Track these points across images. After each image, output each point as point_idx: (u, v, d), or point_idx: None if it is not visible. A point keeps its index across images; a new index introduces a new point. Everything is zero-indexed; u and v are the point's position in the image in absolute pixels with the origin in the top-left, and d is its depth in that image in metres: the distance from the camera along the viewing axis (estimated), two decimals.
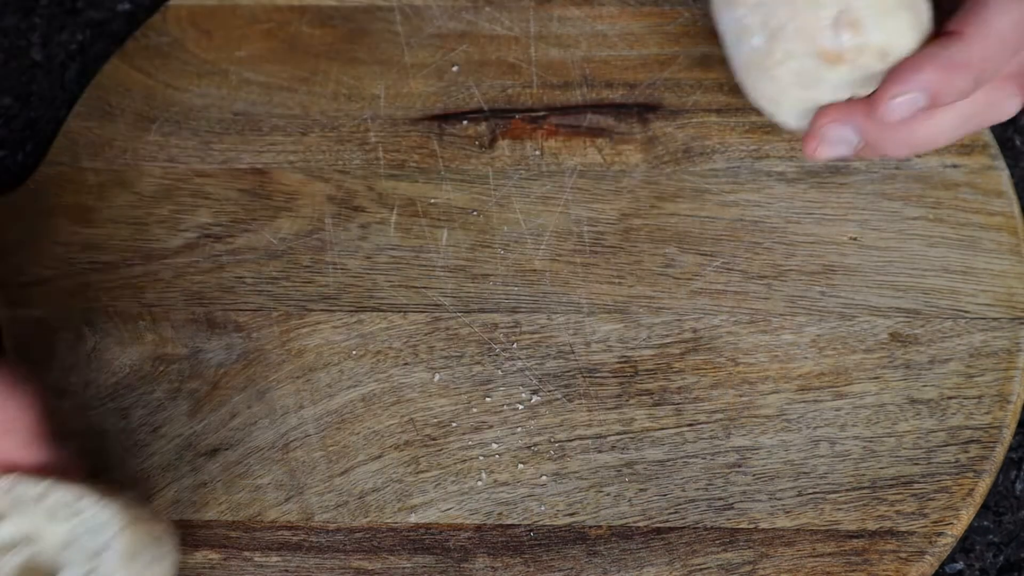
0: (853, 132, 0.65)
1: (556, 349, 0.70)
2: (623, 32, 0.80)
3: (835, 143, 0.65)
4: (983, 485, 0.67)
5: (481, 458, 0.68)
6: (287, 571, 0.65)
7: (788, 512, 0.66)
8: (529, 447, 0.68)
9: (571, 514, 0.67)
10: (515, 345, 0.71)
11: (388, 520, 0.67)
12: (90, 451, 0.69)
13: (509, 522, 0.66)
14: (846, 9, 0.61)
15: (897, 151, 0.67)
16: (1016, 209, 0.74)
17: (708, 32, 0.79)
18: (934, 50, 0.62)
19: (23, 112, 0.81)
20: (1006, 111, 0.65)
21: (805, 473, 0.67)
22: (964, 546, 0.67)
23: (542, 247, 0.73)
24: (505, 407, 0.69)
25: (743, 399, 0.69)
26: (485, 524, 0.66)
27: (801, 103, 0.65)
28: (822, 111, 0.65)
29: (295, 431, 0.69)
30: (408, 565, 0.65)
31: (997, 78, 0.64)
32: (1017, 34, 0.62)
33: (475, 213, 0.74)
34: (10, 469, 0.60)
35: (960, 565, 0.67)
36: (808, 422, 0.68)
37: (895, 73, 0.62)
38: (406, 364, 0.71)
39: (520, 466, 0.68)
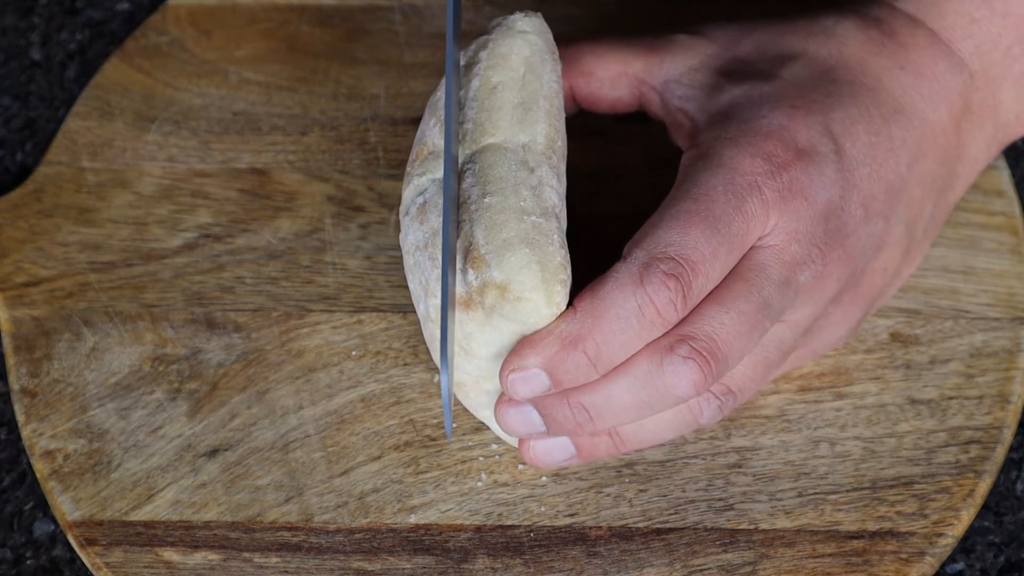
0: (535, 414, 0.63)
1: None
2: (622, 32, 0.80)
3: (524, 428, 0.63)
4: (983, 485, 0.67)
5: (481, 459, 0.68)
6: (287, 572, 0.65)
7: (788, 513, 0.66)
8: None
9: (571, 515, 0.67)
10: None
11: (388, 521, 0.67)
12: (89, 452, 0.68)
13: (509, 523, 0.66)
14: (471, 247, 0.60)
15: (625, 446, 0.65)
16: (1016, 209, 0.74)
17: None
18: (554, 324, 0.60)
19: (22, 112, 0.81)
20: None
21: (805, 474, 0.67)
22: (965, 546, 0.67)
23: None
24: None
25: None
26: (485, 525, 0.66)
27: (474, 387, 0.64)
28: (499, 400, 0.63)
29: (295, 432, 0.69)
30: (408, 566, 0.65)
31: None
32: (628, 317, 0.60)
33: None
34: None
35: (961, 565, 0.67)
36: (808, 422, 0.68)
37: (513, 348, 0.61)
38: (406, 364, 0.71)
39: (520, 467, 0.68)
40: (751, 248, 0.62)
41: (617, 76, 0.69)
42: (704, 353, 0.60)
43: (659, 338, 0.61)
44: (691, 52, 0.68)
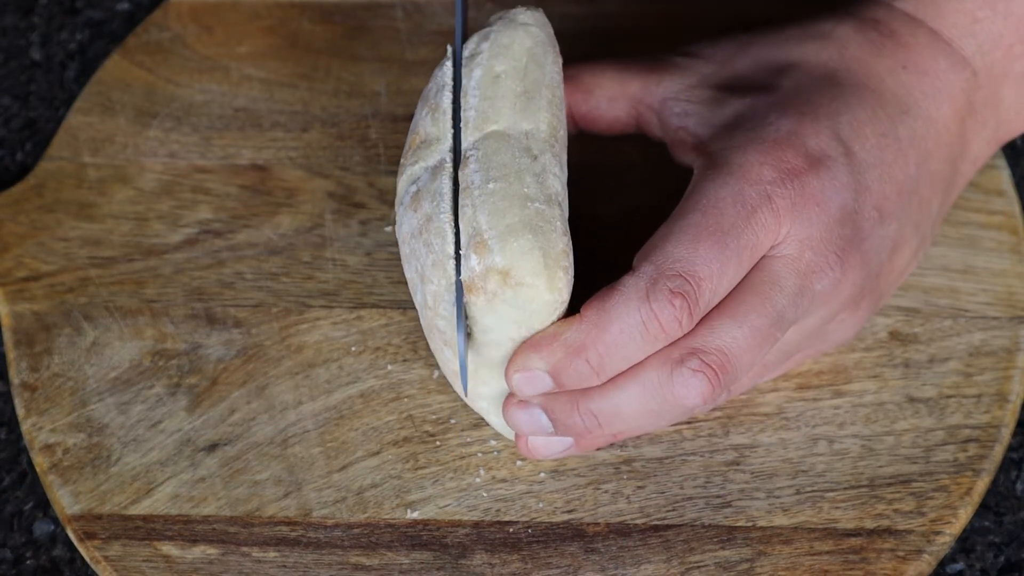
0: (543, 416, 0.63)
1: None
2: (624, 30, 0.80)
3: (533, 429, 0.64)
4: (981, 484, 0.67)
5: (480, 455, 0.68)
6: (285, 566, 0.65)
7: (786, 510, 0.66)
8: None
9: (569, 511, 0.67)
10: None
11: (386, 516, 0.67)
12: (89, 446, 0.69)
13: (507, 519, 0.66)
14: (475, 232, 0.60)
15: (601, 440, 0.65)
16: (1016, 208, 0.74)
17: (710, 30, 0.79)
18: (559, 328, 0.61)
19: (22, 112, 0.81)
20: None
21: (803, 471, 0.67)
22: (964, 546, 0.67)
23: None
24: None
25: (742, 397, 0.69)
26: (483, 521, 0.66)
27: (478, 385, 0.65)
28: (508, 399, 0.64)
29: (294, 427, 0.69)
30: (406, 561, 0.65)
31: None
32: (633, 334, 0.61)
33: None
34: None
35: (960, 565, 0.67)
36: (807, 420, 0.68)
37: (519, 348, 0.62)
38: (405, 360, 0.71)
39: (518, 463, 0.68)
40: (764, 257, 0.62)
41: (615, 96, 0.69)
42: (714, 367, 0.60)
43: (669, 349, 0.61)
44: (688, 72, 0.68)
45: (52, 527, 0.68)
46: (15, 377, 0.71)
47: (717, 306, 0.61)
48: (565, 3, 0.81)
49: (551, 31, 0.66)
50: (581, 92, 0.70)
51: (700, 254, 0.60)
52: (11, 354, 0.71)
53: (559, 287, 0.60)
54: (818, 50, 0.67)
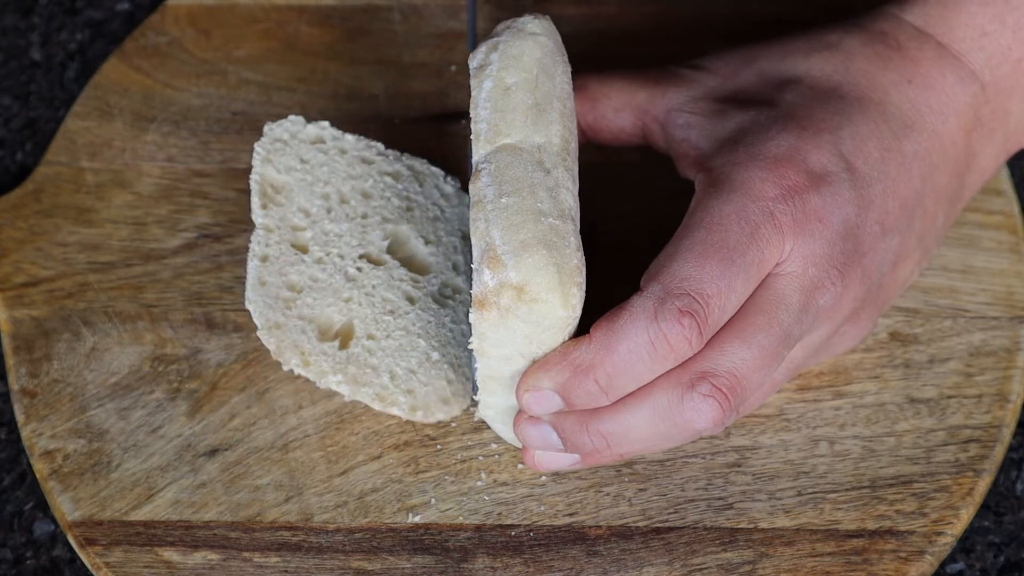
0: (554, 434, 0.63)
1: None
2: (622, 32, 0.80)
3: (543, 446, 0.64)
4: (983, 484, 0.67)
5: (481, 458, 0.68)
6: (287, 571, 0.65)
7: (788, 512, 0.66)
8: None
9: (571, 514, 0.67)
10: None
11: (388, 520, 0.67)
12: (89, 451, 0.68)
13: (509, 522, 0.66)
14: (488, 247, 0.60)
15: (613, 453, 0.64)
16: (1015, 208, 0.74)
17: (708, 31, 0.79)
18: (568, 348, 0.61)
19: (22, 112, 0.81)
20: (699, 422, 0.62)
21: (805, 473, 0.67)
22: (965, 546, 0.67)
23: None
24: None
25: None
26: (485, 524, 0.66)
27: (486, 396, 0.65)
28: (519, 415, 0.64)
29: (294, 431, 0.69)
30: (408, 565, 0.65)
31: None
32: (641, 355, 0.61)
33: None
34: None
35: (961, 565, 0.67)
36: (808, 421, 0.68)
37: (529, 368, 0.62)
38: None
39: (519, 466, 0.68)
40: (769, 276, 0.62)
41: (621, 106, 0.69)
42: (724, 390, 0.61)
43: (678, 371, 0.61)
44: (694, 84, 0.68)
45: (52, 527, 0.68)
46: (14, 383, 0.71)
47: (725, 326, 0.61)
48: (563, 4, 0.81)
49: (559, 39, 0.66)
50: (588, 102, 0.70)
51: (707, 272, 0.60)
52: (10, 360, 0.71)
53: (573, 303, 0.60)
54: (823, 62, 0.67)
